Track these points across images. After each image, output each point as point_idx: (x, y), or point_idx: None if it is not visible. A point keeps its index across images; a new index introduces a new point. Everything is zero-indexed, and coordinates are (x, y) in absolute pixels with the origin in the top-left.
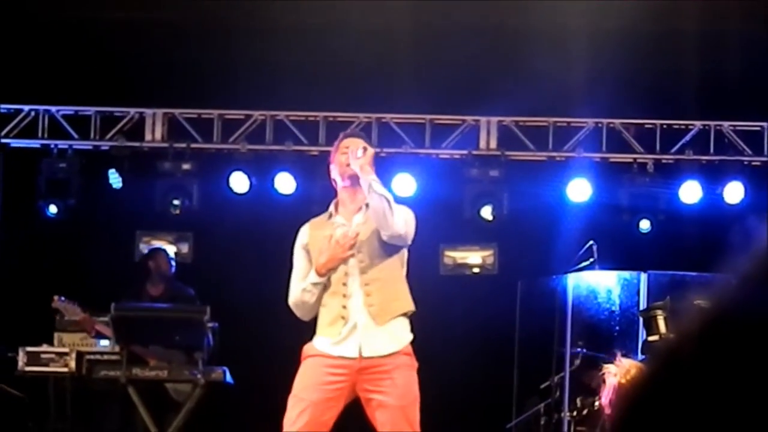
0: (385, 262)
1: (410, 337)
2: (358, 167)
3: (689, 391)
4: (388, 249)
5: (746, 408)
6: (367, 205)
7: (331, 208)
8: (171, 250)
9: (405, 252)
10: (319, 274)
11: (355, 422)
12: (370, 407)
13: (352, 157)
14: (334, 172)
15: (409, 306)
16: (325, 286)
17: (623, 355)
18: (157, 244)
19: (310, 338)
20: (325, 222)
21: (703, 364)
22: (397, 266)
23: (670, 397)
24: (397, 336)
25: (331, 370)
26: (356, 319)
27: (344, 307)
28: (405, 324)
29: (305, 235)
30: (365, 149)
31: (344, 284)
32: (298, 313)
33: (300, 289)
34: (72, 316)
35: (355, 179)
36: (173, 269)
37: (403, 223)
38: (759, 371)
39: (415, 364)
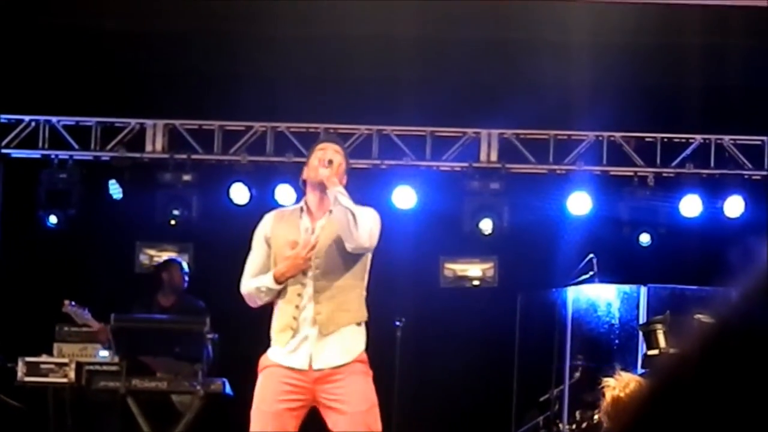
0: (342, 270)
1: (363, 347)
2: (324, 178)
3: (690, 407)
4: (349, 258)
5: (747, 425)
6: (331, 211)
7: (302, 204)
8: (185, 262)
9: (368, 258)
10: (277, 282)
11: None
12: (329, 417)
13: (320, 166)
14: (306, 173)
15: (360, 316)
16: (280, 291)
17: (622, 369)
18: (165, 255)
19: None
20: (291, 217)
21: (705, 381)
22: (356, 275)
23: (671, 413)
24: (348, 347)
25: (287, 380)
26: (307, 332)
27: (295, 318)
28: (357, 333)
29: (268, 225)
30: (330, 162)
31: (299, 295)
32: (247, 301)
33: (254, 287)
34: (81, 322)
35: (322, 186)
36: (186, 282)
37: (368, 236)
38: (760, 388)
39: (370, 372)
